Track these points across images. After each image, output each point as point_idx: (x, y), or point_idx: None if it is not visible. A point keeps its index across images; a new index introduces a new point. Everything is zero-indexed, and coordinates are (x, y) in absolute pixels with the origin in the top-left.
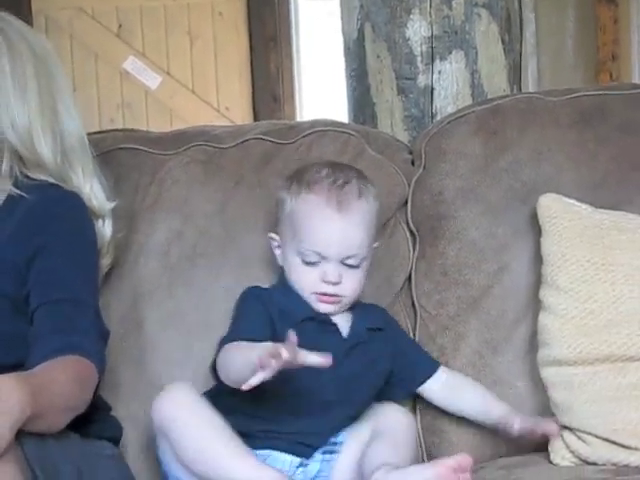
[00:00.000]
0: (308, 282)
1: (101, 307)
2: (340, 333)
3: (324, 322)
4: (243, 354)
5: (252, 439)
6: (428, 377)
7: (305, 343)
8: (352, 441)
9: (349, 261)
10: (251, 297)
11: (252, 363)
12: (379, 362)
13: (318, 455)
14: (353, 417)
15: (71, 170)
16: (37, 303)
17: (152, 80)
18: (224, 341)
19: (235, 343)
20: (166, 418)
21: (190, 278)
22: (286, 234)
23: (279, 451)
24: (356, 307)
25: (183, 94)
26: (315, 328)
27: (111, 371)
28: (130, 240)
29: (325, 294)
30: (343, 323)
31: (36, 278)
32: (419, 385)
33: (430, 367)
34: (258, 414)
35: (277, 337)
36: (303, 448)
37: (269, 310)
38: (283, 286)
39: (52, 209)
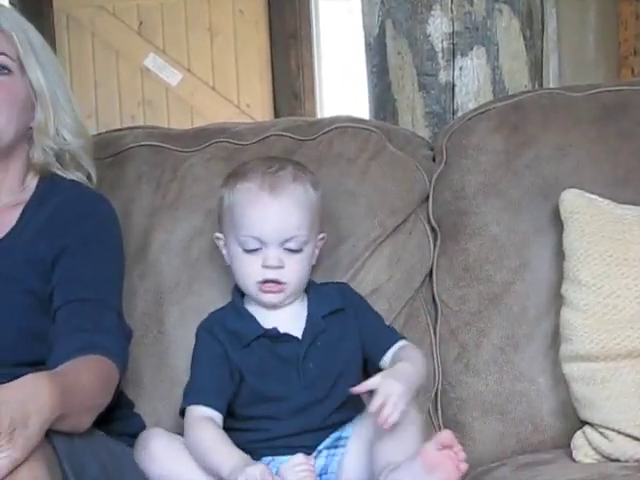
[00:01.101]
0: (251, 271)
1: (123, 304)
2: (293, 340)
3: (274, 336)
4: (214, 456)
5: (251, 450)
6: (387, 350)
7: (259, 362)
8: (358, 435)
9: (289, 245)
10: (203, 335)
11: (218, 470)
12: (346, 345)
13: (323, 451)
14: (345, 403)
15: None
16: (61, 302)
17: (173, 77)
18: (187, 397)
19: (206, 432)
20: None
21: (211, 274)
22: (228, 228)
23: (280, 455)
24: (311, 293)
25: (204, 91)
26: (266, 344)
27: (132, 367)
28: (151, 237)
29: (267, 280)
30: (296, 320)
31: (61, 277)
32: (380, 359)
33: (389, 340)
34: (247, 427)
35: (232, 366)
36: (302, 448)
37: (220, 340)
38: (235, 303)
39: (78, 208)
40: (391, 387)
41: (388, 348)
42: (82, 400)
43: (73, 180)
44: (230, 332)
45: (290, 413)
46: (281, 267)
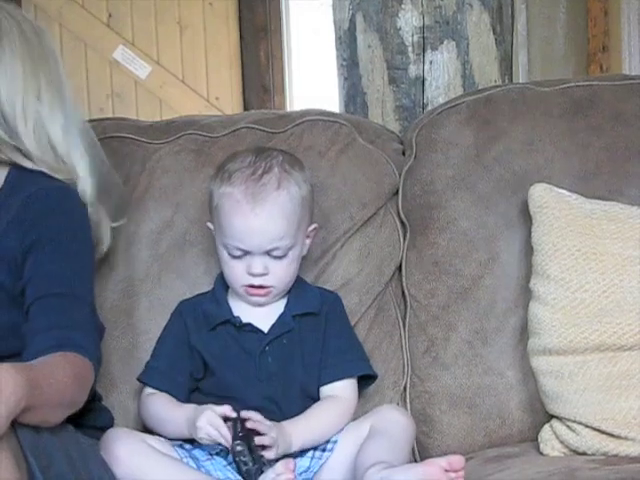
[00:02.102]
0: (236, 275)
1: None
2: (258, 331)
3: (239, 324)
4: (168, 423)
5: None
6: (329, 381)
7: (222, 348)
8: (348, 440)
9: (274, 252)
10: (173, 314)
11: (177, 428)
12: (309, 349)
13: (309, 451)
14: (306, 405)
15: (62, 158)
16: (33, 297)
17: (142, 70)
18: (144, 372)
19: (156, 404)
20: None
21: (180, 267)
22: (215, 226)
23: None
24: (292, 292)
25: (173, 84)
26: (231, 332)
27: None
28: (121, 229)
29: (253, 286)
30: (268, 315)
31: (32, 272)
32: (322, 384)
33: (337, 371)
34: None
35: (193, 349)
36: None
37: (186, 322)
38: (216, 289)
39: (47, 202)
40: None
41: (332, 380)
42: (52, 395)
43: (42, 172)
44: (200, 314)
45: (247, 406)
46: (266, 274)
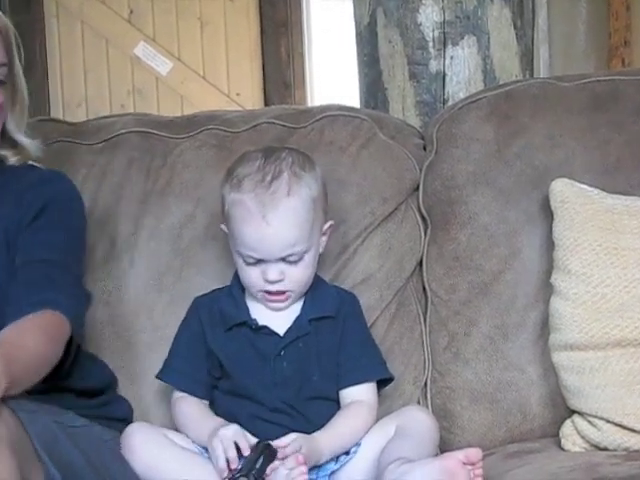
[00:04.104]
0: (252, 281)
1: (113, 290)
2: (274, 334)
3: (255, 326)
4: (194, 428)
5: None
6: (349, 385)
7: (237, 349)
8: (372, 440)
9: (289, 258)
10: (190, 310)
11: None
12: (326, 353)
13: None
14: (322, 409)
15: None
16: (20, 262)
17: (163, 66)
18: (164, 371)
19: (184, 407)
20: (132, 460)
21: (201, 262)
22: (229, 232)
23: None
24: (308, 295)
25: (194, 80)
26: (247, 334)
27: (122, 353)
28: (141, 223)
29: (270, 292)
30: (285, 318)
31: (25, 240)
32: (342, 388)
33: (357, 375)
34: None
35: (208, 348)
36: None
37: (201, 320)
38: (233, 287)
39: (45, 189)
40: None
41: (352, 384)
42: (30, 364)
43: (31, 165)
44: (217, 313)
45: (262, 410)
46: (282, 280)
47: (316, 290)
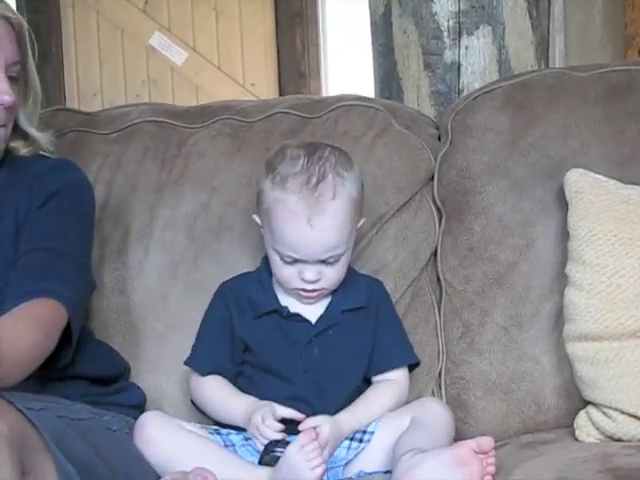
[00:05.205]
0: (287, 278)
1: (127, 280)
2: (305, 321)
3: (287, 313)
4: (224, 409)
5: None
6: (384, 371)
7: (266, 336)
8: (386, 430)
9: (329, 260)
10: (216, 296)
11: (233, 417)
12: (356, 343)
13: (345, 442)
14: (350, 395)
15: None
16: (23, 250)
17: (178, 56)
18: (192, 357)
19: (212, 389)
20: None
21: (216, 251)
22: (265, 227)
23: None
24: (340, 284)
25: (209, 70)
26: (277, 321)
27: (136, 343)
28: (156, 213)
29: (305, 290)
30: (316, 307)
31: (30, 227)
32: (376, 373)
33: (391, 361)
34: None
35: (235, 334)
36: None
37: (228, 306)
38: (262, 273)
39: (55, 177)
40: (326, 437)
41: (385, 370)
42: (20, 355)
43: (41, 155)
44: (245, 300)
45: (290, 395)
46: (319, 280)
47: (347, 280)
